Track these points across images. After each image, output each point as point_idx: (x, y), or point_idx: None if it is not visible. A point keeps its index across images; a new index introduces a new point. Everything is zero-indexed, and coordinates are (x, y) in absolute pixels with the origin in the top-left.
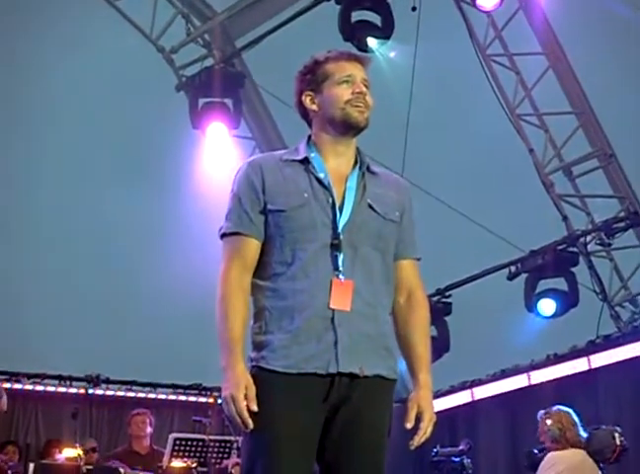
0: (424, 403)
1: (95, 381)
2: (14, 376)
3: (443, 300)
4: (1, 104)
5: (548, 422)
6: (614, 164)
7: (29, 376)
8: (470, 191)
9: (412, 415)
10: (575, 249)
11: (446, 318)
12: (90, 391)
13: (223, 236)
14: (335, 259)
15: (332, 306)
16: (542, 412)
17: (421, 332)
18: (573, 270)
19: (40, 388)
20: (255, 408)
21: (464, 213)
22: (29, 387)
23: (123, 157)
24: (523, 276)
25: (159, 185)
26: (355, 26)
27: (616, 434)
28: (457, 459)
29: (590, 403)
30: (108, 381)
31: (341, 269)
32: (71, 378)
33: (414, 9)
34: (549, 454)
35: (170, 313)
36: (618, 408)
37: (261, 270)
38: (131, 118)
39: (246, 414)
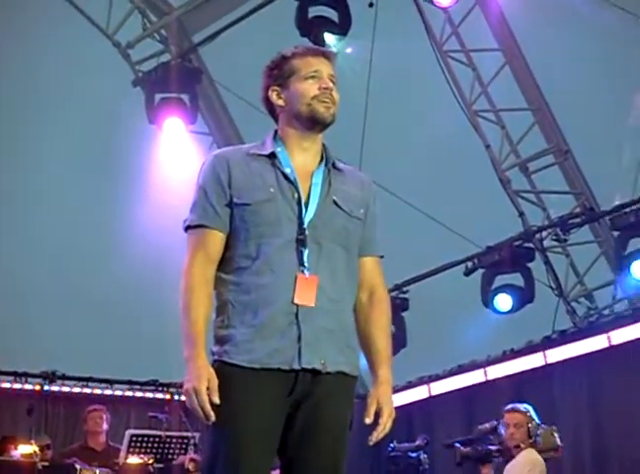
0: (383, 399)
1: (51, 378)
2: None
3: (401, 296)
4: None
5: (519, 418)
6: (570, 160)
7: None
8: (427, 186)
9: (372, 410)
10: (531, 245)
11: (404, 313)
12: (46, 387)
13: (188, 228)
14: (300, 254)
15: (296, 301)
16: (510, 407)
17: (382, 329)
18: (529, 265)
19: None
20: (217, 400)
21: (421, 209)
22: None
23: (82, 152)
24: (480, 271)
25: (116, 180)
26: (312, 21)
27: (556, 434)
28: (414, 454)
29: (546, 398)
30: (63, 377)
31: (306, 264)
32: (26, 375)
33: (371, 5)
34: (526, 454)
35: (127, 309)
36: (574, 403)
37: (225, 263)
38: (88, 113)
39: (208, 406)
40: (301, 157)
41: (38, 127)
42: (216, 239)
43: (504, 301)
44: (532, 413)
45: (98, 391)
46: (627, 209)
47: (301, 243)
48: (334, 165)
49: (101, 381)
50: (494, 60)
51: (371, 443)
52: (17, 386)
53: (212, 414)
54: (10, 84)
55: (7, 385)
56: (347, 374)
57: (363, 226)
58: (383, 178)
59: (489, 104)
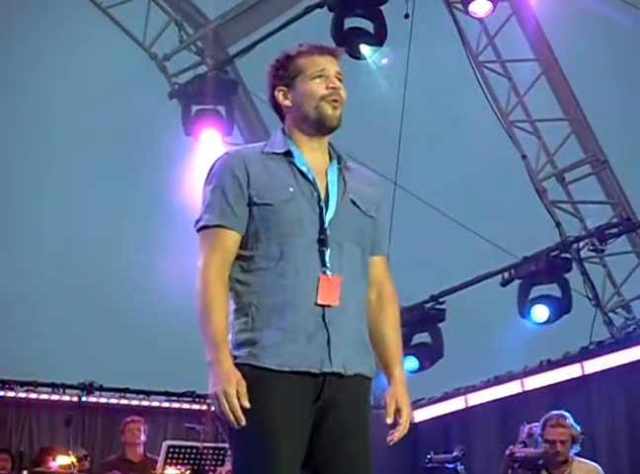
0: (402, 399)
1: (88, 389)
2: (7, 384)
3: (437, 307)
4: None
5: (565, 433)
6: (607, 170)
7: (21, 384)
8: (463, 197)
9: (391, 410)
10: (568, 255)
11: (440, 324)
12: (83, 399)
13: (203, 228)
14: (322, 254)
15: (320, 302)
16: (554, 421)
17: (392, 327)
18: (566, 276)
19: (33, 396)
20: (247, 404)
21: (457, 220)
22: (22, 395)
23: (117, 163)
24: (517, 282)
25: (153, 191)
26: (347, 32)
27: None
28: (451, 466)
29: (583, 409)
30: (101, 389)
31: (328, 264)
32: (64, 386)
33: (407, 16)
34: (584, 467)
35: (163, 320)
36: (611, 414)
37: (243, 263)
38: (125, 124)
39: (239, 411)
40: (311, 155)
41: (73, 138)
42: (233, 240)
43: (541, 312)
44: (572, 420)
45: (135, 402)
46: None
47: (323, 243)
48: (345, 163)
49: (138, 392)
50: (530, 70)
51: (392, 444)
52: (55, 397)
53: (243, 418)
54: (37, 95)
55: (45, 396)
56: (365, 376)
57: (374, 225)
58: (420, 189)
59: (525, 114)
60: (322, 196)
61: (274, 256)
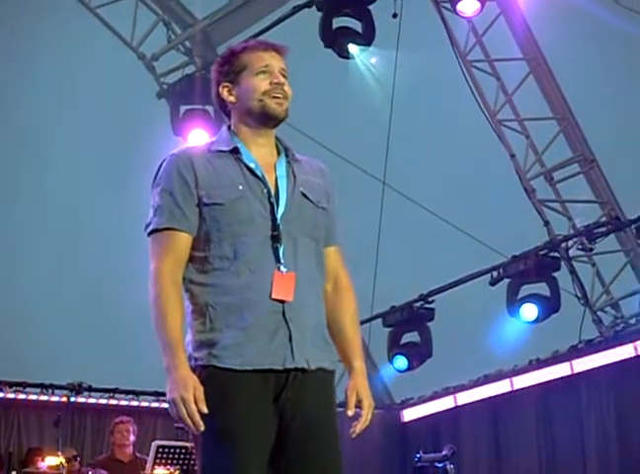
0: (362, 390)
1: (77, 389)
2: None
3: (426, 306)
4: None
5: None
6: (595, 169)
7: (10, 384)
8: (452, 196)
9: (352, 402)
10: (557, 254)
11: (429, 323)
12: (72, 399)
13: (153, 232)
14: (276, 251)
15: (273, 296)
16: None
17: (350, 318)
18: (555, 275)
19: (22, 396)
20: (205, 410)
21: (446, 219)
22: (10, 395)
23: (106, 163)
24: (506, 281)
25: (143, 191)
26: (336, 32)
27: None
28: (441, 465)
29: (572, 408)
30: (90, 389)
31: (282, 261)
32: (53, 386)
33: (395, 16)
34: None
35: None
36: (600, 412)
37: (196, 264)
38: (114, 124)
39: (197, 416)
40: (259, 151)
41: (61, 138)
42: (185, 241)
43: (529, 311)
44: None
45: (124, 402)
46: None
47: (276, 239)
48: (293, 156)
49: (127, 393)
50: (518, 70)
51: (354, 436)
52: (44, 398)
53: (202, 423)
54: (27, 94)
55: (34, 397)
56: (327, 370)
57: (327, 216)
58: (408, 189)
59: (513, 113)
60: (272, 191)
61: (227, 255)
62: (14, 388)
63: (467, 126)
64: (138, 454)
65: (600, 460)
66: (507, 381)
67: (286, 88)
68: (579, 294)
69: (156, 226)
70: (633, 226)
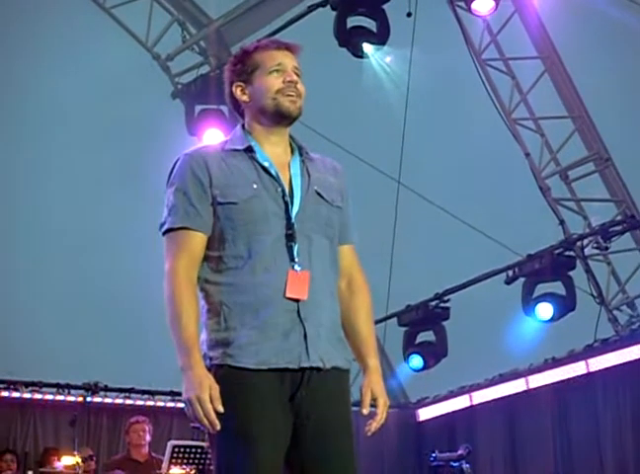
0: (377, 388)
1: (93, 389)
2: (12, 384)
3: (442, 305)
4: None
5: None
6: (611, 168)
7: (27, 384)
8: (467, 195)
9: (367, 401)
10: (572, 253)
11: (444, 323)
12: (88, 399)
13: (168, 231)
14: (290, 250)
15: (288, 295)
16: None
17: (364, 316)
18: (570, 274)
19: (38, 396)
20: (221, 409)
21: (461, 218)
22: (27, 395)
23: (121, 163)
24: (521, 280)
25: (156, 191)
26: (350, 31)
27: None
28: (456, 464)
29: (588, 407)
30: (106, 389)
31: (297, 259)
32: (69, 386)
33: (409, 14)
34: None
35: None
36: (616, 411)
37: (211, 264)
38: (129, 125)
39: (214, 415)
40: (272, 150)
41: (76, 138)
42: (199, 240)
43: (545, 310)
44: None
45: (140, 402)
46: None
47: (290, 238)
48: (307, 154)
49: (143, 392)
50: (533, 68)
51: (369, 434)
52: (60, 398)
53: (218, 423)
54: (41, 95)
55: (50, 397)
56: (341, 369)
57: (341, 214)
58: (423, 187)
59: (528, 112)
60: (286, 190)
61: (242, 254)
62: (30, 388)
63: (482, 126)
64: (154, 454)
65: (616, 459)
66: (522, 380)
67: (300, 86)
68: (594, 293)
69: (171, 225)
70: None
